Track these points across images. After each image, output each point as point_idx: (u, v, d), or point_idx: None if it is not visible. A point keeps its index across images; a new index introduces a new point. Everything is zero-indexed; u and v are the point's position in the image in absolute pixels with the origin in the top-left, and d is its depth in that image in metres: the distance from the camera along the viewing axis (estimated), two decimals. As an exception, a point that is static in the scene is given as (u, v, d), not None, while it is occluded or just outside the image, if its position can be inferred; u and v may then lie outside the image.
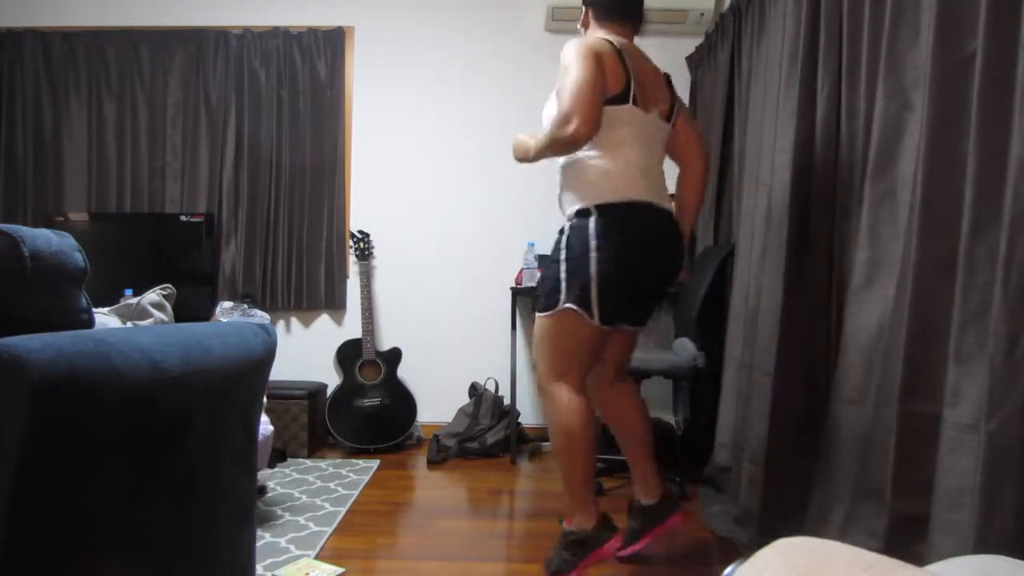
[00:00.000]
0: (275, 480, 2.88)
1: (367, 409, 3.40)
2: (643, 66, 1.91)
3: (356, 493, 2.72)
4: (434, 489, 2.85)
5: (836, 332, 1.92)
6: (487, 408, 3.39)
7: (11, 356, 0.77)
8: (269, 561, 2.05)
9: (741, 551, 2.12)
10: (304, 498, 2.65)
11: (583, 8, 2.01)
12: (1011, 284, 1.22)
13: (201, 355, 1.12)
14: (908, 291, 1.49)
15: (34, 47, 3.61)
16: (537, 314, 1.93)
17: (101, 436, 0.91)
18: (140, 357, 0.96)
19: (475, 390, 3.48)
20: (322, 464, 3.15)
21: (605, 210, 1.81)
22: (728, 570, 0.69)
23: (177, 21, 3.65)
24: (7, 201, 3.62)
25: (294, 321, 3.74)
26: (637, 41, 2.00)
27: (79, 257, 1.07)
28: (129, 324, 2.15)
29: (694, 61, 3.54)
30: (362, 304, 3.51)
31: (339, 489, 2.77)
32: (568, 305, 1.82)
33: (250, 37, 3.59)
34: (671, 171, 2.04)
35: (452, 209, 3.69)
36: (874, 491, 1.60)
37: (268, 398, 3.20)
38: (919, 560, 1.41)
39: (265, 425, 2.36)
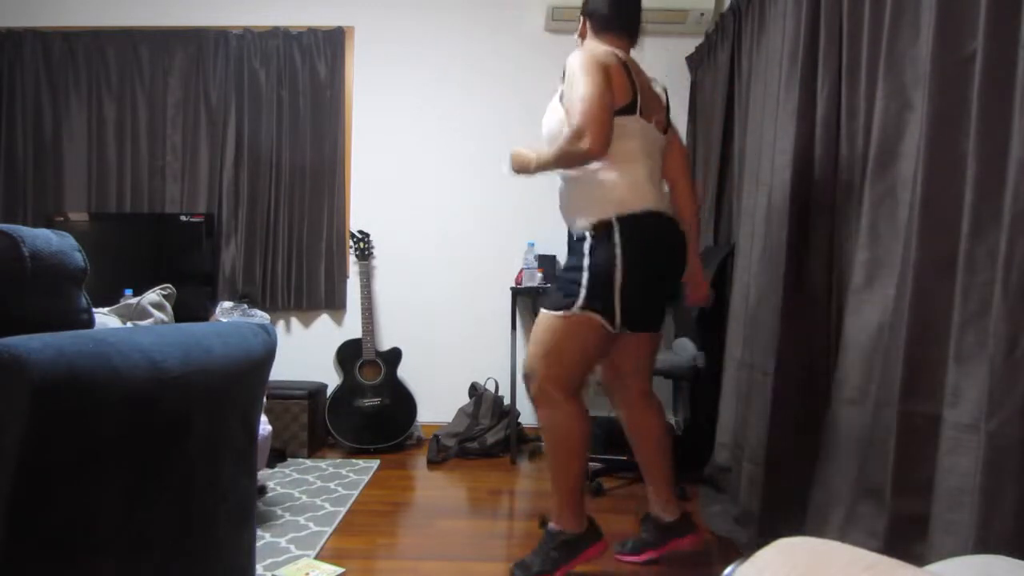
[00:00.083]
0: (275, 480, 2.88)
1: (367, 409, 3.40)
2: (643, 78, 1.94)
3: (356, 493, 2.72)
4: (434, 489, 2.85)
5: (836, 332, 1.92)
6: (487, 408, 3.39)
7: (11, 356, 0.77)
8: (269, 561, 2.05)
9: (741, 551, 2.12)
10: (304, 498, 2.65)
11: (581, 19, 2.02)
12: (1011, 284, 1.22)
13: (201, 355, 1.12)
14: (908, 291, 1.49)
15: (34, 47, 3.61)
16: (544, 310, 1.89)
17: (101, 436, 0.91)
18: (140, 357, 0.96)
19: (475, 390, 3.48)
20: (322, 464, 3.15)
21: (626, 221, 1.82)
22: (728, 570, 0.69)
23: (177, 21, 3.65)
24: (7, 201, 3.62)
25: (294, 321, 3.74)
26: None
27: (79, 257, 1.07)
28: (129, 324, 2.15)
29: (694, 61, 3.54)
30: (362, 304, 3.51)
31: (339, 489, 2.77)
32: (586, 311, 1.81)
33: (250, 37, 3.59)
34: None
35: (452, 209, 3.69)
36: (874, 491, 1.60)
37: (268, 398, 3.20)
38: (919, 560, 1.41)
39: (263, 425, 2.36)
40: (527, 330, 3.62)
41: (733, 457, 2.43)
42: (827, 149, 1.97)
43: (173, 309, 2.32)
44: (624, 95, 1.82)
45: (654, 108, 1.95)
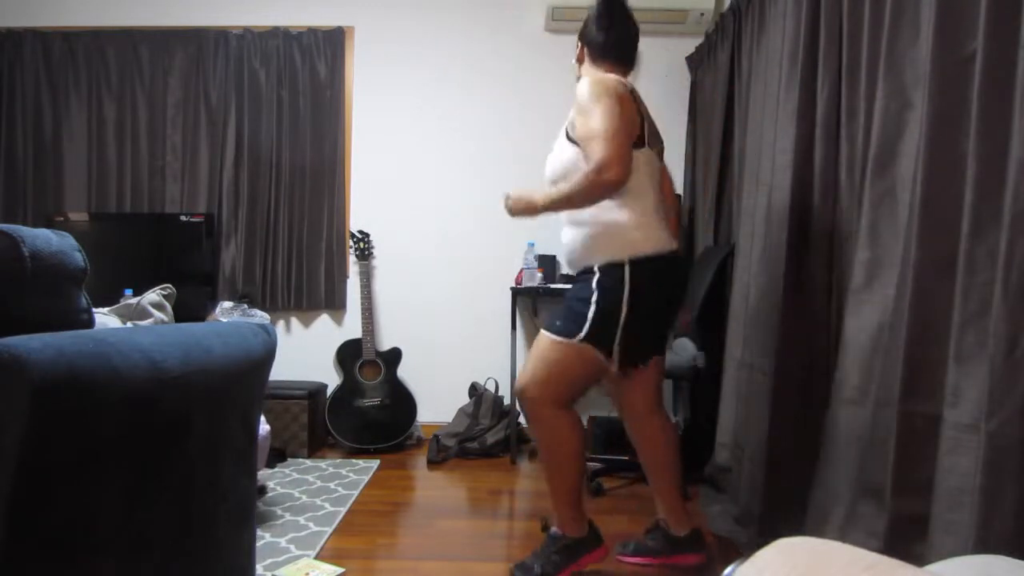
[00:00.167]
0: (275, 480, 2.88)
1: (367, 409, 3.40)
2: (644, 106, 1.94)
3: (356, 493, 2.72)
4: (434, 489, 2.85)
5: (836, 332, 1.92)
6: (487, 408, 3.39)
7: (11, 356, 0.77)
8: (269, 561, 2.05)
9: (741, 551, 2.12)
10: (304, 498, 2.65)
11: (579, 44, 2.03)
12: (1011, 284, 1.22)
13: (201, 355, 1.12)
14: (908, 291, 1.49)
15: (34, 47, 3.61)
16: (547, 335, 1.89)
17: (101, 436, 0.91)
18: (140, 357, 0.96)
19: (475, 390, 3.48)
20: (322, 464, 3.15)
21: (637, 265, 1.82)
22: (728, 570, 0.69)
23: (177, 21, 3.65)
24: (7, 201, 3.62)
25: (294, 321, 3.74)
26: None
27: (79, 257, 1.07)
28: (129, 324, 2.15)
29: (694, 61, 3.54)
30: (362, 304, 3.51)
31: (339, 489, 2.77)
32: (587, 344, 1.83)
33: (250, 37, 3.59)
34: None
35: (452, 209, 3.69)
36: (874, 491, 1.60)
37: (268, 398, 3.20)
38: (919, 560, 1.41)
39: (262, 425, 2.36)
40: (527, 330, 3.62)
41: (733, 457, 2.43)
42: (827, 149, 1.97)
43: (173, 309, 2.33)
44: (635, 127, 1.82)
45: (655, 136, 1.96)
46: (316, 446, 3.39)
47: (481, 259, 3.68)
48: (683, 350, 2.83)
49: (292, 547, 2.16)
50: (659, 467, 2.06)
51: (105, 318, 2.10)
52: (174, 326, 1.17)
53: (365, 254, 3.57)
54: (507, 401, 3.40)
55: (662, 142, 2.03)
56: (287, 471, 3.03)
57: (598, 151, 1.70)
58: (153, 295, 2.27)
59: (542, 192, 1.89)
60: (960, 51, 1.39)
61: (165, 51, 3.61)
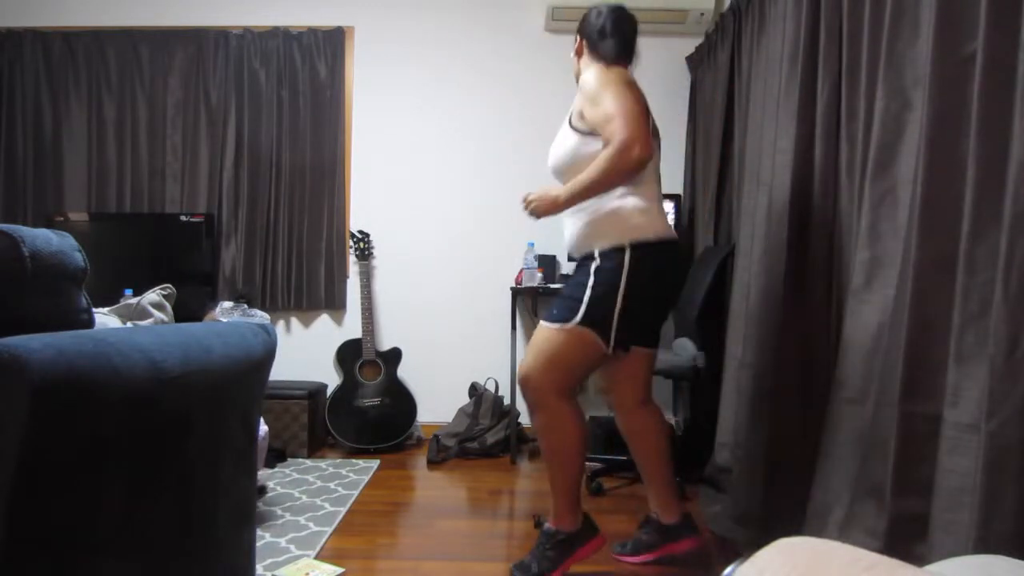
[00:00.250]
0: (275, 480, 2.88)
1: (367, 409, 3.40)
2: (645, 99, 1.94)
3: (356, 493, 2.72)
4: (434, 489, 2.85)
5: (836, 332, 1.92)
6: (487, 408, 3.39)
7: (11, 356, 0.77)
8: (269, 561, 2.05)
9: (741, 551, 2.12)
10: (304, 498, 2.65)
11: (577, 37, 2.03)
12: (1011, 284, 1.22)
13: (201, 355, 1.12)
14: (908, 291, 1.49)
15: (34, 47, 3.62)
16: (545, 324, 1.91)
17: (101, 436, 0.91)
18: (140, 357, 0.96)
19: (475, 390, 3.48)
20: (322, 464, 3.15)
21: (638, 249, 1.83)
22: (728, 570, 0.69)
23: (177, 21, 3.65)
24: (7, 201, 3.63)
25: (294, 321, 3.74)
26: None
27: (79, 257, 1.07)
28: (129, 324, 2.15)
29: (694, 61, 3.54)
30: (362, 304, 3.51)
31: (339, 489, 2.77)
32: (584, 327, 1.83)
33: (250, 37, 3.59)
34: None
35: (452, 209, 3.70)
36: (874, 491, 1.60)
37: (268, 398, 3.20)
38: (919, 560, 1.41)
39: (260, 425, 2.35)
40: (527, 330, 3.62)
41: (733, 457, 2.43)
42: (827, 149, 1.97)
43: (173, 309, 2.32)
44: (646, 112, 1.83)
45: (655, 130, 1.97)
46: (316, 446, 3.39)
47: (481, 259, 3.68)
48: (683, 350, 2.83)
49: (292, 547, 2.16)
50: (651, 458, 2.07)
51: (105, 318, 2.10)
52: (174, 326, 1.17)
53: (365, 254, 3.57)
54: (507, 401, 3.40)
55: (659, 137, 2.05)
56: (287, 471, 3.03)
57: (620, 131, 1.70)
58: (153, 295, 2.27)
59: (560, 187, 1.87)
60: (960, 51, 1.39)
61: (165, 51, 3.61)
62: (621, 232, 1.85)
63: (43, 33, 3.62)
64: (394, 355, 3.53)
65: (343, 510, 2.51)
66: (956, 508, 1.33)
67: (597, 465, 2.91)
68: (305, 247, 3.63)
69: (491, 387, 3.51)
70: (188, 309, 2.77)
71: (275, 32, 3.59)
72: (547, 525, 1.96)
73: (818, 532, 1.78)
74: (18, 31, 3.63)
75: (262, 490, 2.70)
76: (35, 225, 2.25)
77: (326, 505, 2.57)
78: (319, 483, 2.85)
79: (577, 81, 2.02)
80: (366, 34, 3.68)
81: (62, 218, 3.49)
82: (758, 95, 2.48)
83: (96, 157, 3.61)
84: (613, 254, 1.84)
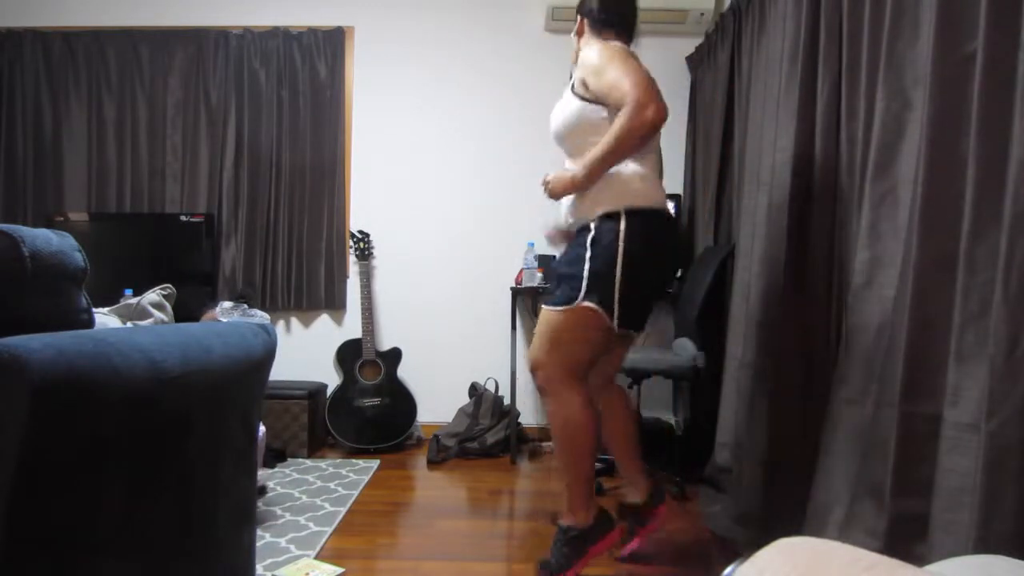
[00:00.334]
0: (275, 480, 2.88)
1: (367, 409, 3.40)
2: None
3: (356, 493, 2.72)
4: (434, 489, 2.85)
5: (836, 332, 1.92)
6: (487, 408, 3.39)
7: (11, 356, 0.77)
8: (269, 561, 2.05)
9: (741, 551, 2.12)
10: (304, 498, 2.65)
11: (578, 17, 2.02)
12: (1011, 284, 1.22)
13: (201, 355, 1.12)
14: (908, 291, 1.49)
15: (34, 47, 3.62)
16: (548, 308, 1.88)
17: (101, 436, 0.91)
18: (140, 357, 0.96)
19: (475, 390, 3.48)
20: (322, 464, 3.15)
21: (633, 215, 1.81)
22: (728, 570, 0.69)
23: (177, 21, 3.65)
24: (7, 201, 3.63)
25: (294, 321, 3.74)
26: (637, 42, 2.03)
27: (79, 257, 1.07)
28: (129, 324, 2.15)
29: (694, 61, 3.54)
30: (362, 304, 3.51)
31: (339, 489, 2.77)
32: (588, 303, 1.80)
33: (250, 37, 3.59)
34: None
35: (452, 209, 3.70)
36: (874, 491, 1.60)
37: (268, 398, 3.20)
38: (919, 560, 1.41)
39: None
40: (527, 330, 3.62)
41: (733, 457, 2.43)
42: (827, 149, 1.97)
43: (173, 309, 2.32)
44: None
45: None
46: (316, 446, 3.39)
47: (481, 259, 3.68)
48: (683, 350, 2.83)
49: (292, 547, 2.16)
50: (621, 436, 2.10)
51: (105, 318, 2.10)
52: (174, 326, 1.17)
53: (365, 254, 3.57)
54: (507, 401, 3.40)
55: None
56: (287, 471, 3.03)
57: (631, 92, 1.69)
58: (153, 295, 2.27)
59: (577, 166, 1.85)
60: (960, 51, 1.39)
61: (165, 51, 3.61)
62: (619, 196, 1.82)
63: (43, 33, 3.62)
64: (394, 355, 3.53)
65: (343, 510, 2.51)
66: (956, 508, 1.33)
67: (597, 465, 2.90)
68: (305, 247, 3.63)
69: (491, 387, 3.51)
70: (188, 309, 2.77)
71: (275, 32, 3.59)
72: (561, 521, 1.95)
73: (818, 532, 1.78)
74: (18, 31, 3.63)
75: (262, 490, 2.70)
76: (35, 225, 2.25)
77: (326, 505, 2.57)
78: (319, 483, 2.85)
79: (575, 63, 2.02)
80: (366, 34, 3.68)
81: (62, 218, 3.49)
82: (758, 95, 2.48)
83: (96, 157, 3.61)
84: (608, 222, 1.82)
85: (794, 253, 2.05)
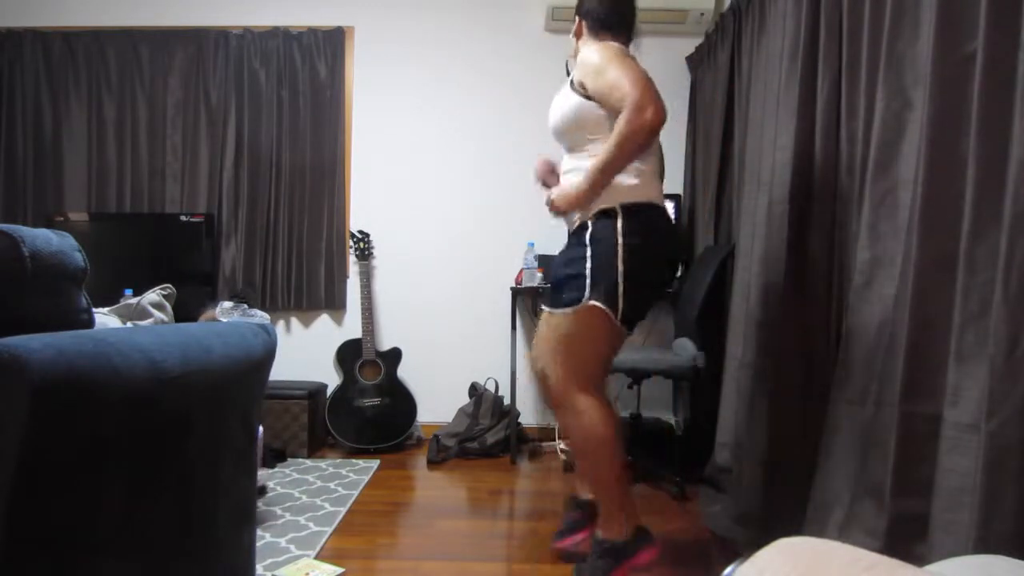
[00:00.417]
0: (275, 480, 2.88)
1: (367, 409, 3.40)
2: None
3: (356, 493, 2.72)
4: (434, 489, 2.85)
5: (836, 332, 1.92)
6: (487, 408, 3.39)
7: (11, 356, 0.77)
8: (269, 561, 2.05)
9: (741, 551, 2.12)
10: (304, 498, 2.65)
11: (576, 19, 2.00)
12: (1011, 284, 1.22)
13: (201, 355, 1.12)
14: (908, 291, 1.49)
15: (34, 47, 3.62)
16: (552, 311, 1.83)
17: (101, 436, 0.91)
18: (140, 357, 0.96)
19: (475, 390, 3.48)
20: (322, 464, 3.15)
21: (630, 210, 1.79)
22: (728, 570, 0.69)
23: (177, 21, 3.65)
24: (7, 201, 3.63)
25: (294, 321, 3.74)
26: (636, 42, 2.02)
27: (79, 257, 1.07)
28: (129, 324, 2.15)
29: (694, 61, 3.54)
30: (362, 304, 3.51)
31: (339, 489, 2.77)
32: (594, 302, 1.76)
33: (250, 37, 3.59)
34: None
35: (452, 209, 3.69)
36: (874, 491, 1.60)
37: (268, 398, 3.20)
38: (919, 560, 1.41)
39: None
40: (527, 330, 3.62)
41: (733, 457, 2.43)
42: (827, 149, 1.97)
43: (173, 309, 2.32)
44: None
45: None
46: (316, 446, 3.39)
47: (481, 259, 3.68)
48: (683, 350, 2.83)
49: (292, 547, 2.16)
50: None
51: (105, 318, 2.10)
52: (174, 326, 1.17)
53: (365, 254, 3.57)
54: (507, 401, 3.40)
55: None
56: (287, 471, 3.03)
57: (630, 93, 1.66)
58: (153, 295, 2.27)
59: (579, 179, 1.81)
60: (960, 51, 1.39)
61: (165, 51, 3.61)
62: (614, 193, 1.79)
63: (43, 33, 3.62)
64: (394, 355, 3.53)
65: (343, 510, 2.51)
66: (956, 508, 1.33)
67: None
68: (305, 247, 3.63)
69: (491, 387, 3.51)
70: (188, 309, 2.77)
71: (275, 32, 3.59)
72: (598, 532, 1.87)
73: (818, 532, 1.78)
74: (18, 31, 3.63)
75: (262, 490, 2.70)
76: (35, 225, 2.25)
77: (326, 505, 2.57)
78: (319, 483, 2.85)
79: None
80: (366, 34, 3.68)
81: (62, 218, 3.49)
82: (758, 95, 2.48)
83: (96, 157, 3.61)
84: (605, 219, 1.79)
85: (794, 253, 2.05)
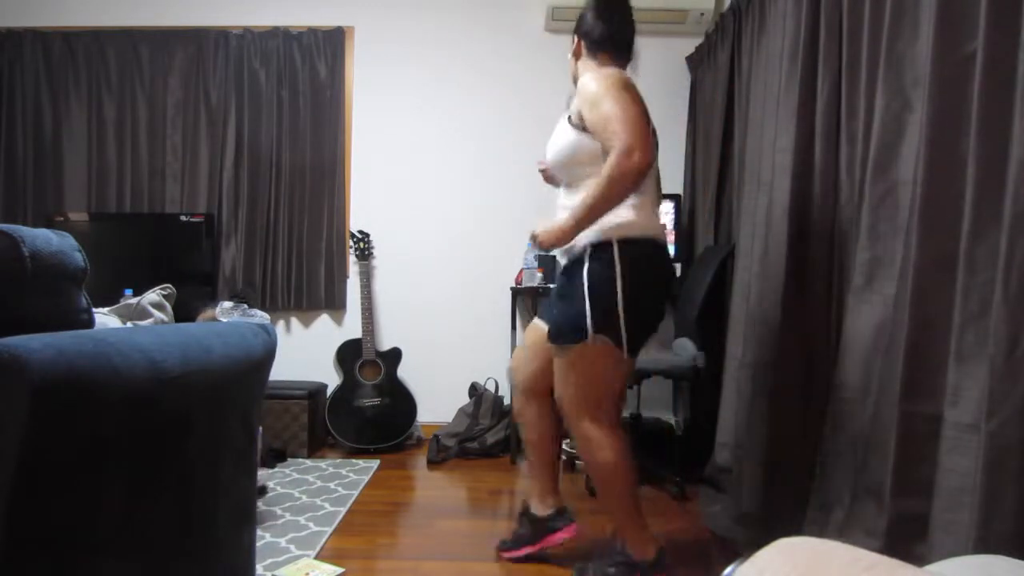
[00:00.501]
0: (275, 480, 2.88)
1: (367, 409, 3.40)
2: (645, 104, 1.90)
3: (356, 493, 2.72)
4: (434, 489, 2.85)
5: (836, 332, 1.92)
6: (487, 408, 3.39)
7: (11, 356, 0.77)
8: (269, 561, 2.05)
9: (741, 551, 2.12)
10: (304, 498, 2.65)
11: (575, 38, 1.98)
12: (1011, 284, 1.22)
13: (201, 355, 1.12)
14: (908, 291, 1.49)
15: (34, 47, 3.61)
16: (560, 347, 1.84)
17: (101, 436, 0.91)
18: (140, 357, 0.96)
19: (475, 390, 3.48)
20: (322, 464, 3.15)
21: (627, 244, 1.79)
22: (728, 570, 0.69)
23: (177, 21, 3.65)
24: (7, 201, 3.62)
25: (294, 321, 3.74)
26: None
27: (79, 257, 1.07)
28: (129, 324, 2.15)
29: (694, 61, 3.54)
30: (362, 304, 3.51)
31: (339, 489, 2.77)
32: (596, 335, 1.77)
33: (250, 37, 3.59)
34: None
35: (452, 209, 3.69)
36: (874, 491, 1.60)
37: (268, 398, 3.20)
38: (919, 560, 1.41)
39: (262, 425, 2.35)
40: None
41: (733, 457, 2.43)
42: (827, 149, 1.97)
43: (173, 309, 2.32)
44: (646, 117, 1.79)
45: (655, 135, 1.92)
46: (316, 446, 3.39)
47: (481, 259, 3.68)
48: (683, 350, 2.83)
49: (292, 547, 2.16)
50: (546, 443, 2.09)
51: (105, 318, 2.10)
52: (174, 326, 1.17)
53: (365, 254, 3.57)
54: (507, 401, 3.40)
55: (657, 141, 2.00)
56: (287, 471, 3.03)
57: (620, 136, 1.65)
58: (153, 295, 2.27)
59: (565, 216, 1.80)
60: (960, 51, 1.39)
61: (165, 51, 3.61)
62: (611, 226, 1.79)
63: (43, 33, 3.62)
64: (394, 355, 3.53)
65: (343, 510, 2.51)
66: (956, 508, 1.33)
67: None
68: (305, 247, 3.63)
69: (491, 387, 3.51)
70: (188, 309, 2.77)
71: (275, 32, 3.59)
72: (618, 543, 1.89)
73: (818, 532, 1.78)
74: (18, 31, 3.63)
75: (262, 490, 2.70)
76: (35, 225, 2.25)
77: (326, 505, 2.57)
78: (319, 483, 2.85)
79: (574, 83, 1.99)
80: (366, 34, 3.68)
81: (62, 218, 3.49)
82: (758, 95, 2.48)
83: (96, 157, 3.61)
84: (602, 252, 1.79)
85: (794, 253, 2.05)
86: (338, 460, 3.23)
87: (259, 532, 2.24)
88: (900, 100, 1.65)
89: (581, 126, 1.81)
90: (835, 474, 1.80)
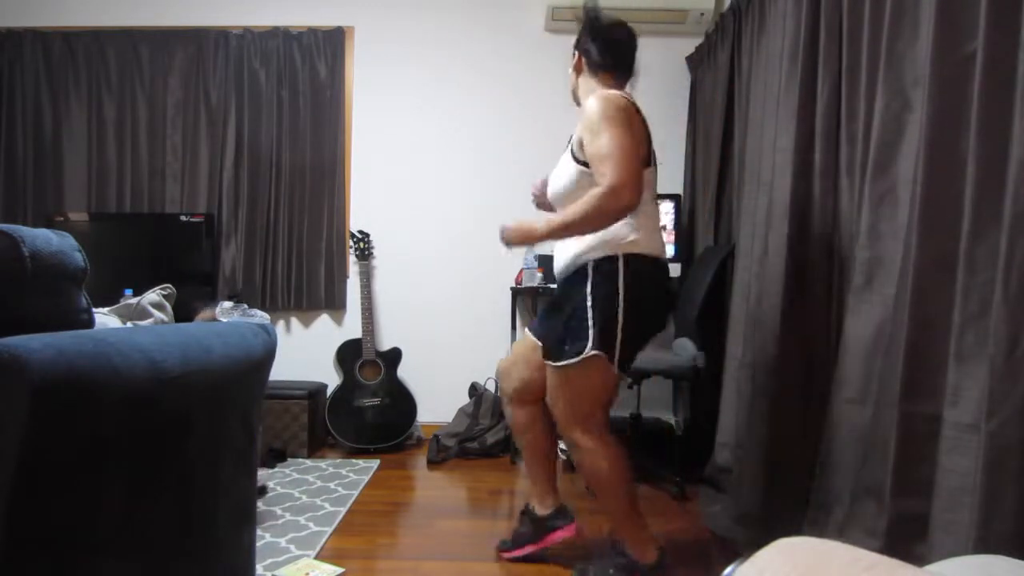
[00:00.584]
0: (275, 480, 2.88)
1: (367, 409, 3.40)
2: (645, 120, 1.89)
3: (356, 493, 2.72)
4: (434, 489, 2.85)
5: (836, 332, 1.92)
6: (487, 408, 3.39)
7: (11, 356, 0.77)
8: (269, 561, 2.05)
9: (741, 551, 2.12)
10: (304, 498, 2.65)
11: (575, 54, 1.97)
12: (1011, 284, 1.22)
13: (201, 355, 1.12)
14: (908, 291, 1.49)
15: (34, 47, 3.61)
16: (557, 363, 1.84)
17: (101, 436, 0.91)
18: (140, 357, 0.96)
19: (475, 390, 3.48)
20: (322, 464, 3.14)
21: (630, 259, 1.79)
22: (728, 570, 0.69)
23: (177, 21, 3.65)
24: (7, 201, 3.62)
25: (294, 321, 3.74)
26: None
27: (79, 257, 1.07)
28: (129, 324, 2.15)
29: (694, 61, 3.54)
30: (362, 304, 3.51)
31: (339, 489, 2.77)
32: (596, 351, 1.78)
33: (250, 37, 3.59)
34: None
35: (452, 209, 3.69)
36: (874, 491, 1.60)
37: (268, 398, 3.20)
38: (919, 560, 1.41)
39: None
40: (527, 330, 3.62)
41: (733, 457, 2.43)
42: (827, 149, 1.97)
43: (173, 309, 2.32)
44: (644, 146, 1.79)
45: (654, 155, 1.92)
46: (316, 446, 3.39)
47: (481, 259, 3.68)
48: (683, 350, 2.83)
49: (292, 547, 2.16)
50: (539, 446, 2.09)
51: (105, 318, 2.10)
52: (174, 326, 1.17)
53: (365, 254, 3.57)
54: (507, 401, 3.40)
55: (656, 164, 1.97)
56: (287, 471, 3.03)
57: (610, 173, 1.66)
58: (153, 295, 2.27)
59: (541, 220, 1.83)
60: (960, 51, 1.39)
61: (165, 51, 3.61)
62: (613, 245, 1.80)
63: (43, 33, 3.62)
64: (394, 355, 3.53)
65: (343, 510, 2.51)
66: (956, 508, 1.33)
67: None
68: (305, 247, 3.63)
69: (491, 387, 3.51)
70: (188, 309, 2.77)
71: (275, 32, 3.59)
72: (618, 544, 1.91)
73: (818, 532, 1.78)
74: (18, 31, 3.63)
75: (262, 490, 2.70)
76: (35, 225, 2.25)
77: (326, 505, 2.57)
78: (319, 483, 2.85)
79: (573, 97, 2.00)
80: (366, 34, 3.68)
81: (62, 218, 3.49)
82: (758, 95, 2.48)
83: (96, 157, 3.61)
84: (606, 266, 1.80)
85: (794, 253, 2.05)
86: (338, 460, 3.23)
87: (259, 532, 2.24)
88: (900, 100, 1.65)
89: (583, 160, 1.81)
90: (835, 474, 1.80)
